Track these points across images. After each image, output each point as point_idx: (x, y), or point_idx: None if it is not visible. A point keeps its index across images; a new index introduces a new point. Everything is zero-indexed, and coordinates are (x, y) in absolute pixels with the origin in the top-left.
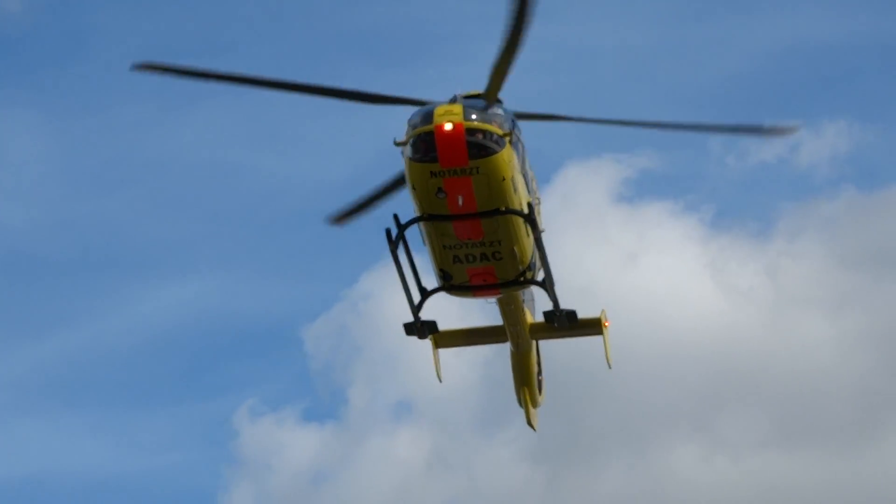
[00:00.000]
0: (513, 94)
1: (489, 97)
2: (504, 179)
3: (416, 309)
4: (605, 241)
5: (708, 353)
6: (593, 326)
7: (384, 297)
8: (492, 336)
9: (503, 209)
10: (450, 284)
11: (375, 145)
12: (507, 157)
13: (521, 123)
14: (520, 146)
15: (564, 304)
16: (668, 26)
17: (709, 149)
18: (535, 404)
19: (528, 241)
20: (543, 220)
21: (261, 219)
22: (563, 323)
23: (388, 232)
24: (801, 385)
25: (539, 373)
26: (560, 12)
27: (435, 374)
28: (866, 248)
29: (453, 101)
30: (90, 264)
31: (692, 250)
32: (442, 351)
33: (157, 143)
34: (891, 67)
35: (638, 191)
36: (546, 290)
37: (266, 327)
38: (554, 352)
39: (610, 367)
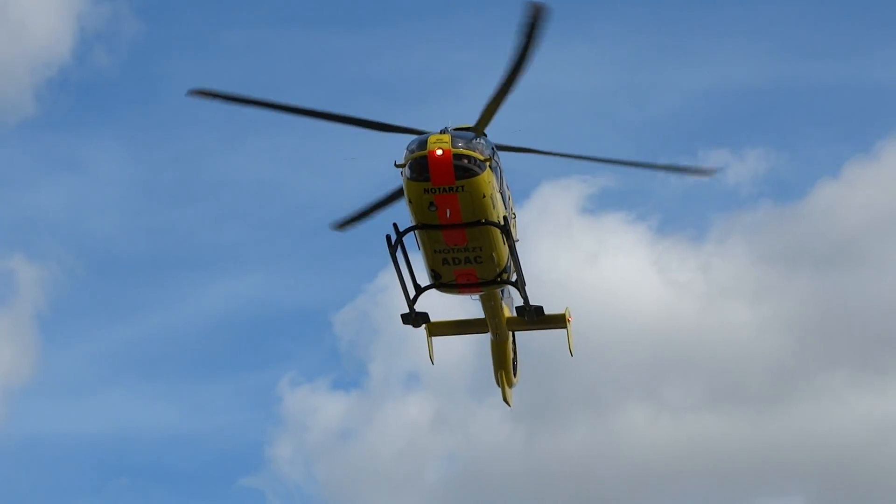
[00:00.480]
0: (497, 129)
1: (477, 130)
2: (485, 196)
3: (411, 302)
4: (572, 245)
5: (654, 334)
6: (559, 321)
7: (397, 290)
8: (476, 327)
9: (483, 221)
10: (439, 282)
11: (385, 167)
12: (488, 179)
13: (501, 153)
14: (498, 170)
15: (538, 298)
16: (618, 71)
17: (654, 171)
18: (510, 384)
19: (504, 249)
20: (518, 232)
21: (298, 227)
22: (532, 317)
23: (388, 238)
24: (727, 359)
25: (514, 358)
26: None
27: (428, 357)
28: (780, 250)
29: (444, 131)
30: (163, 263)
31: (642, 252)
32: (435, 338)
33: (215, 166)
34: (798, 104)
35: (599, 204)
36: (518, 289)
37: (302, 314)
38: (531, 337)
39: (572, 355)
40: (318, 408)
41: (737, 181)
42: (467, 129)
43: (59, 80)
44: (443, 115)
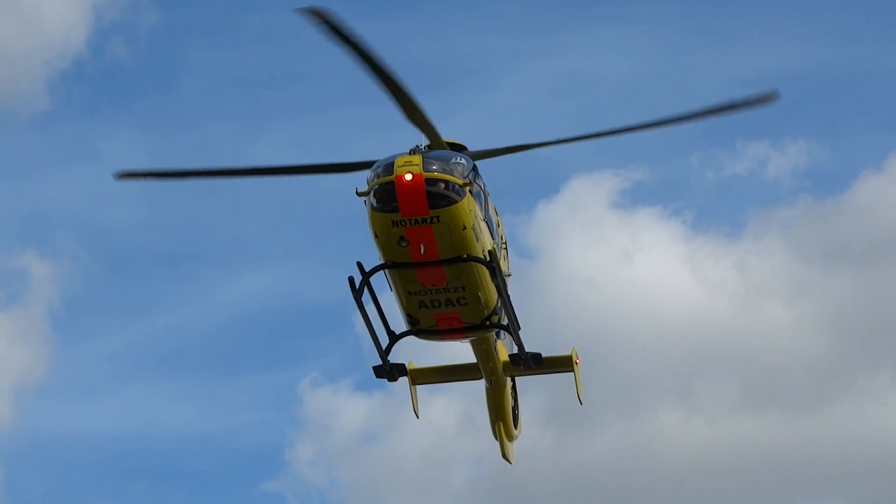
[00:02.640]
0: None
1: (437, 145)
2: (465, 228)
3: (384, 353)
4: (604, 241)
5: (688, 334)
6: (565, 363)
7: None
8: (467, 373)
9: (465, 257)
10: (417, 329)
11: None
12: (468, 206)
13: (491, 165)
14: (482, 194)
15: (568, 290)
16: (656, 57)
17: (690, 164)
18: (510, 438)
19: (493, 287)
20: (545, 231)
21: (320, 220)
22: (529, 365)
23: (350, 280)
24: (764, 360)
25: (515, 406)
26: (568, 47)
27: (413, 410)
28: (820, 247)
29: (415, 151)
30: (182, 257)
31: (676, 248)
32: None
33: (236, 156)
34: (840, 94)
35: (632, 199)
36: (511, 333)
37: (325, 311)
38: (562, 335)
39: (581, 403)
40: (340, 410)
41: (777, 174)
42: (451, 144)
43: (73, 73)
44: (471, 105)
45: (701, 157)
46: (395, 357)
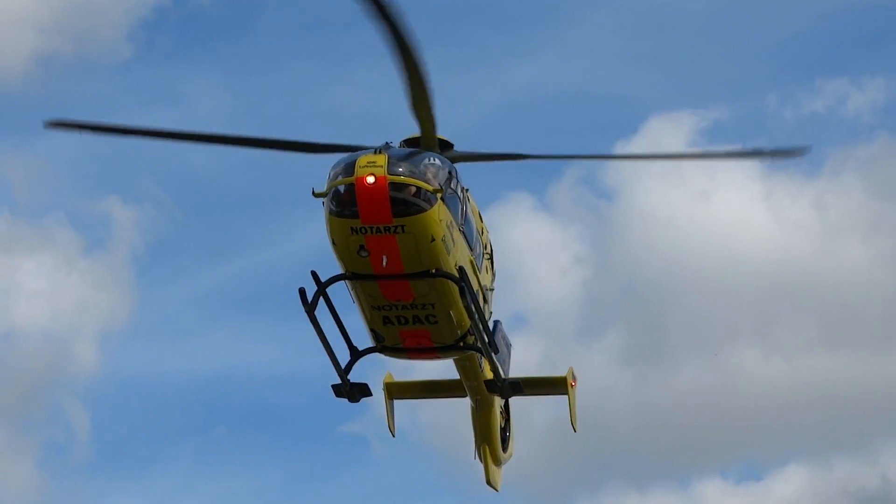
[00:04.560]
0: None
1: (452, 159)
2: (433, 240)
3: (343, 372)
4: (682, 180)
5: (765, 273)
6: (559, 385)
7: (503, 232)
8: (451, 390)
9: (434, 272)
10: (382, 346)
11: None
12: (438, 216)
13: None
14: (458, 200)
15: (646, 230)
16: None
17: (768, 102)
18: (496, 462)
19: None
20: (496, 275)
21: None
22: (507, 393)
23: (301, 292)
24: (841, 297)
25: (505, 428)
26: None
27: (388, 427)
28: None
29: (380, 150)
30: (264, 199)
31: (753, 187)
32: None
33: (318, 98)
34: None
35: (710, 138)
36: (486, 357)
37: None
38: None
39: (575, 431)
40: None
41: (856, 111)
42: (442, 141)
43: (154, 20)
44: (555, 43)
45: (779, 96)
46: (372, 364)
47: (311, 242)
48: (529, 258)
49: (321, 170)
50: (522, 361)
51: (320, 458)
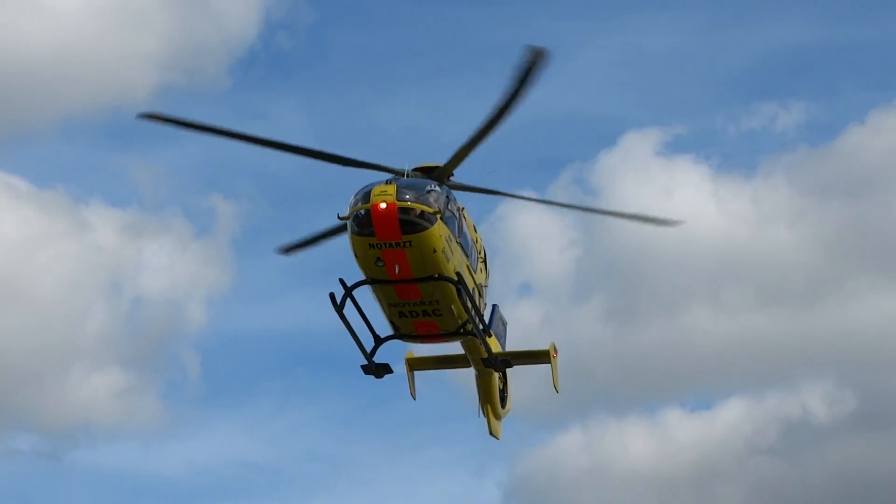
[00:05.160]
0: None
1: (444, 171)
2: (435, 251)
3: (369, 355)
4: (651, 181)
5: (714, 251)
6: (543, 357)
7: (513, 221)
8: (459, 362)
9: (437, 276)
10: (400, 333)
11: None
12: (438, 232)
13: (562, 124)
14: (455, 220)
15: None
16: (693, 34)
17: (716, 120)
18: (497, 417)
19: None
20: (601, 176)
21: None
22: (499, 367)
23: (331, 296)
24: (772, 270)
25: (504, 389)
26: (627, 28)
27: (410, 392)
28: (815, 183)
29: (390, 181)
30: (329, 194)
31: (705, 186)
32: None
33: (373, 116)
34: (835, 60)
35: (672, 148)
36: (481, 341)
37: None
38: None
39: (557, 392)
40: None
41: (784, 128)
42: (432, 167)
43: (248, 58)
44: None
45: (725, 115)
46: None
47: None
48: (533, 240)
49: (361, 179)
50: (528, 319)
51: (373, 393)
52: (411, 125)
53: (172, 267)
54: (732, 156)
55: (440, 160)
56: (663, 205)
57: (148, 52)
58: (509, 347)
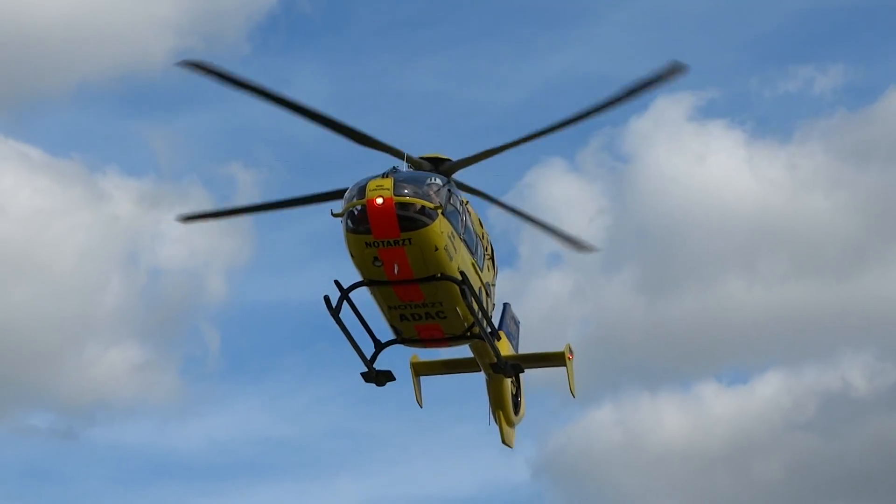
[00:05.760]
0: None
1: (452, 168)
2: (437, 249)
3: (368, 361)
4: (683, 147)
5: (748, 219)
6: (558, 359)
7: (541, 188)
8: (468, 366)
9: (439, 276)
10: (402, 338)
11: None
12: (440, 229)
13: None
14: (458, 213)
15: (655, 187)
16: None
17: (751, 84)
18: (510, 424)
19: (471, 302)
20: (630, 142)
21: (463, 129)
22: (510, 373)
23: (326, 299)
24: (808, 239)
25: (517, 394)
26: None
27: (416, 400)
28: (853, 149)
29: (388, 174)
30: (351, 162)
31: (738, 153)
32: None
33: (395, 81)
34: (875, 26)
35: (705, 113)
36: (489, 345)
37: None
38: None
39: (574, 396)
40: None
41: (820, 92)
42: (443, 160)
43: (267, 24)
44: (579, 37)
45: (760, 79)
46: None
47: None
48: (562, 208)
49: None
50: (558, 290)
51: (398, 368)
52: (433, 91)
53: (190, 238)
54: (767, 121)
55: (461, 126)
56: (696, 171)
57: (164, 17)
58: (524, 345)
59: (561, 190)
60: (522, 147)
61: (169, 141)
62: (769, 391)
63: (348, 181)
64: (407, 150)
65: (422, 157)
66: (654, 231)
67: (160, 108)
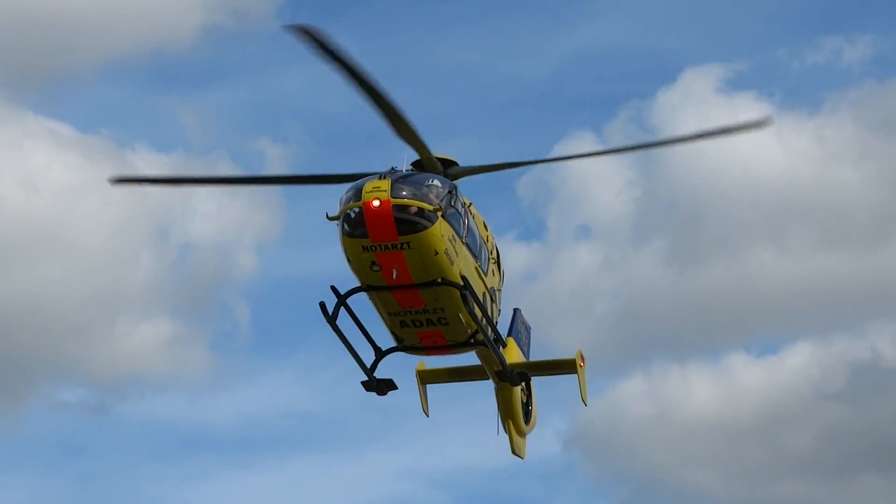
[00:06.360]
0: None
1: (457, 175)
2: (437, 253)
3: (369, 370)
4: (711, 119)
5: (777, 191)
6: (569, 366)
7: (567, 165)
8: (476, 374)
9: (440, 281)
10: (403, 345)
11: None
12: (439, 232)
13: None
14: (460, 215)
15: (683, 160)
16: None
17: (779, 56)
18: (520, 434)
19: (474, 308)
20: (658, 117)
21: (493, 102)
22: (515, 381)
23: (321, 305)
24: (837, 210)
25: (528, 402)
26: None
27: (422, 410)
28: (882, 119)
29: (385, 175)
30: (381, 136)
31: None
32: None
33: (424, 54)
34: None
35: (733, 85)
36: (494, 352)
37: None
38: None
39: (586, 405)
40: (504, 255)
41: (849, 63)
42: (452, 163)
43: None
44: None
45: (788, 50)
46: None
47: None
48: (591, 182)
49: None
50: (587, 263)
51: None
52: (463, 63)
53: (220, 212)
54: (795, 92)
55: (490, 99)
56: (724, 143)
57: None
58: (538, 342)
59: (589, 162)
60: (550, 120)
61: (198, 116)
62: (798, 362)
63: (378, 153)
64: (427, 133)
65: (440, 158)
66: (683, 203)
67: (189, 83)
